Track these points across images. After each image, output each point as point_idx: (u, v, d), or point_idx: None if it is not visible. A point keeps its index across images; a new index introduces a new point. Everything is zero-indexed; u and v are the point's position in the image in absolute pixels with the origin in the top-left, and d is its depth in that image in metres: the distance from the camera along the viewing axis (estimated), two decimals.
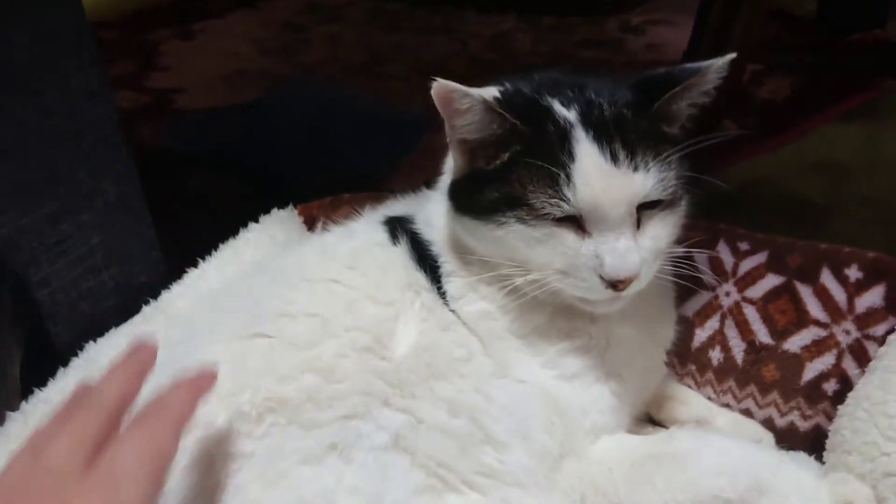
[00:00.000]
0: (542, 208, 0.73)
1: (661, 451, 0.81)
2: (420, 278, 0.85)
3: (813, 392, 0.91)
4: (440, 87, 0.71)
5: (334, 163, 1.60)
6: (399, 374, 0.76)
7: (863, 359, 0.89)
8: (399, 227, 0.90)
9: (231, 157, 1.72)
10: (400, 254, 0.86)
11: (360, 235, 0.90)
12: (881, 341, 0.87)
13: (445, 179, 0.89)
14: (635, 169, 0.72)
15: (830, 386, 0.90)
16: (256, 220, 1.16)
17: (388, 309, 0.81)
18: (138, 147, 1.97)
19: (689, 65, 0.78)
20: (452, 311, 0.84)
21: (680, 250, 0.83)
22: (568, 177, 0.72)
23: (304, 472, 0.68)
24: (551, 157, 0.73)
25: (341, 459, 0.69)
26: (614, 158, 0.72)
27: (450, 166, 0.86)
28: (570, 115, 0.75)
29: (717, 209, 1.12)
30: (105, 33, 2.85)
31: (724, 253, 0.99)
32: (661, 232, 0.77)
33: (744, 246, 0.99)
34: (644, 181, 0.73)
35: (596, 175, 0.72)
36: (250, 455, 0.69)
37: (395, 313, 0.81)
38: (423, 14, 2.88)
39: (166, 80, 2.37)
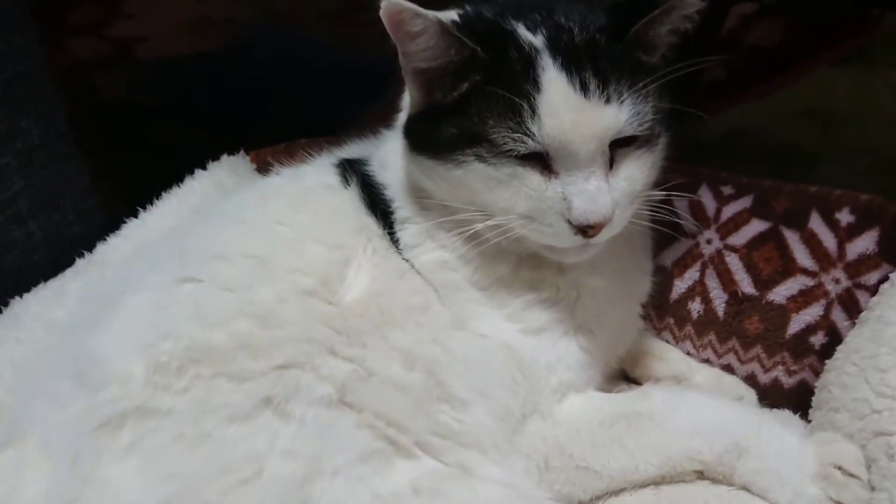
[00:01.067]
0: (504, 144, 0.65)
1: (632, 410, 0.75)
2: (372, 224, 0.77)
3: (799, 345, 0.85)
4: (389, 5, 0.63)
5: (299, 110, 1.51)
6: (348, 321, 0.69)
7: (853, 310, 0.82)
8: (351, 170, 0.82)
9: (191, 107, 1.62)
10: (351, 197, 0.79)
11: (310, 177, 0.82)
12: (874, 290, 0.81)
13: (402, 117, 0.81)
14: (608, 100, 0.64)
15: (818, 339, 0.84)
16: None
17: (336, 252, 0.73)
18: (96, 97, 1.86)
19: None
20: (406, 259, 0.77)
21: (658, 194, 0.76)
22: (532, 109, 0.64)
23: (231, 431, 0.60)
24: (514, 86, 0.65)
25: (276, 416, 0.62)
26: (584, 88, 0.64)
27: (407, 102, 0.78)
28: (535, 40, 0.67)
29: (702, 157, 1.05)
30: None
31: (706, 197, 0.92)
32: (637, 172, 0.70)
33: (727, 190, 0.92)
34: (617, 114, 0.65)
35: (563, 106, 0.64)
36: (168, 412, 0.60)
37: (344, 257, 0.73)
38: None
39: (129, 28, 2.23)
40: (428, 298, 0.74)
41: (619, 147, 0.68)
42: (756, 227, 0.87)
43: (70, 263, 0.93)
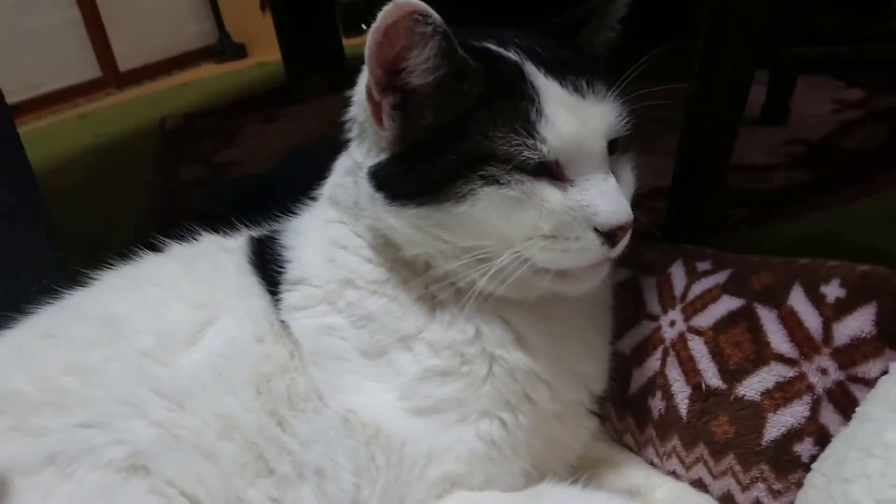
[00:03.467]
0: (518, 153, 0.59)
1: None
2: (252, 283, 0.72)
3: (780, 456, 0.65)
4: (404, 5, 0.56)
5: None
6: (175, 383, 0.63)
7: (850, 410, 0.63)
8: (257, 236, 0.78)
9: (250, 215, 1.68)
10: (238, 258, 0.74)
11: (212, 241, 0.79)
12: (875, 384, 0.61)
13: (334, 181, 0.76)
14: (602, 99, 0.62)
15: (805, 448, 0.64)
16: None
17: (199, 311, 0.69)
18: (183, 209, 2.00)
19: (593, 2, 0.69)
20: (282, 321, 0.69)
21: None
22: (539, 112, 0.59)
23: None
24: (515, 93, 0.60)
25: (58, 475, 0.57)
26: (577, 90, 0.61)
27: (348, 164, 0.73)
28: (511, 55, 0.63)
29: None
30: (202, 121, 3.04)
31: (677, 274, 0.77)
32: (629, 177, 0.67)
33: (703, 266, 0.77)
34: (612, 110, 0.63)
35: (568, 106, 0.60)
36: None
37: (207, 317, 0.68)
38: None
39: (232, 155, 2.45)
40: (285, 366, 0.66)
41: (609, 154, 0.63)
42: (726, 304, 0.71)
43: None
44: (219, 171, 2.26)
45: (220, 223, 1.70)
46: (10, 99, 3.59)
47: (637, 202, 1.49)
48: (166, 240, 0.81)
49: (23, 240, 0.95)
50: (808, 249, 1.33)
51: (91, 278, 0.76)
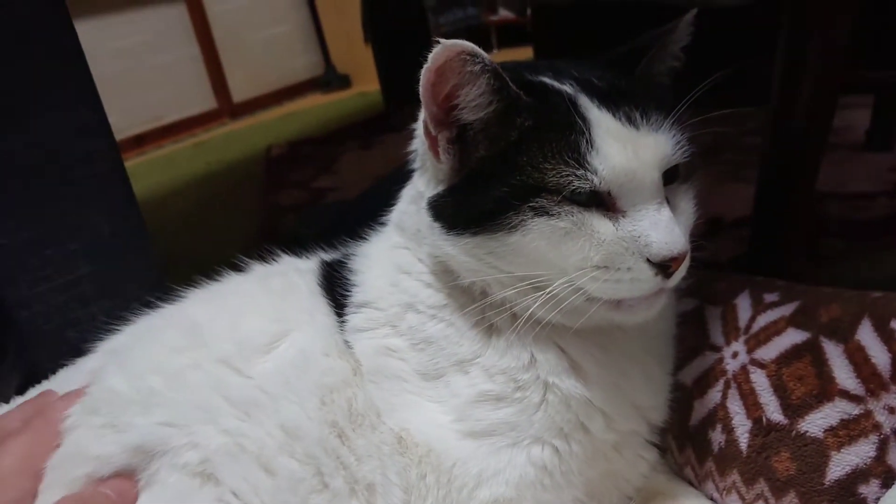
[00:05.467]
0: (568, 184, 0.60)
1: None
2: (321, 304, 0.76)
3: (845, 497, 0.63)
4: (453, 46, 0.58)
5: None
6: (247, 391, 0.67)
7: None
8: (328, 259, 0.83)
9: (338, 238, 1.75)
10: (309, 279, 0.79)
11: (287, 261, 0.84)
12: None
13: (400, 208, 0.80)
14: (656, 129, 0.62)
15: (871, 490, 0.62)
16: None
17: (275, 324, 0.73)
18: (279, 232, 2.10)
19: (655, 30, 0.70)
20: (346, 341, 0.73)
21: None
22: (590, 143, 0.60)
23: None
24: (566, 125, 0.61)
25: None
26: (630, 121, 0.62)
27: (412, 193, 0.77)
28: (566, 87, 0.65)
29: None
30: (304, 148, 3.18)
31: (743, 305, 0.76)
32: (687, 206, 0.67)
33: (770, 297, 0.75)
34: (668, 140, 0.63)
35: (620, 137, 0.61)
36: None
37: (283, 330, 0.72)
38: None
39: (329, 181, 2.55)
40: (348, 381, 0.69)
41: (665, 184, 0.63)
42: (791, 337, 0.69)
43: None
44: (316, 197, 2.37)
45: (309, 246, 1.78)
46: (135, 130, 3.89)
47: (724, 230, 1.45)
48: (248, 260, 0.86)
49: (126, 259, 1.03)
50: None
51: (182, 293, 0.82)
